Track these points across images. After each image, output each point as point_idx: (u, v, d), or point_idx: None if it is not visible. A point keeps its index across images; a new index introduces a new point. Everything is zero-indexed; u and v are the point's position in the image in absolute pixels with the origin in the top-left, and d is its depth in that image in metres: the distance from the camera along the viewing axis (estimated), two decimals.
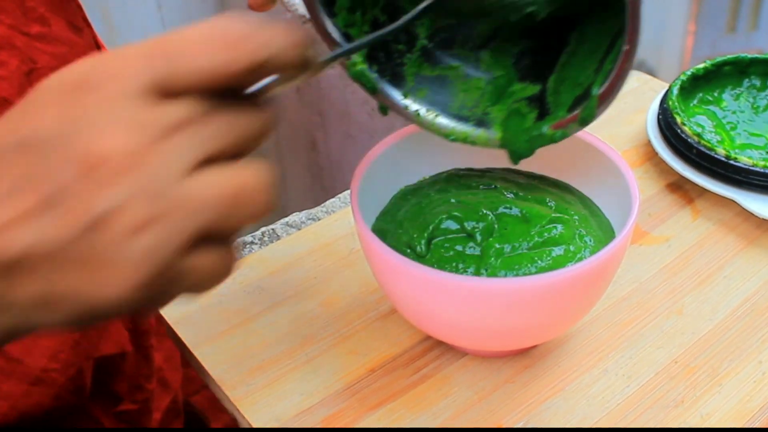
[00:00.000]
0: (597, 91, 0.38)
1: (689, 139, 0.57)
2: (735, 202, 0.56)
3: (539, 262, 0.42)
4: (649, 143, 0.62)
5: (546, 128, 0.41)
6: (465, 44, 0.46)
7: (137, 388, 0.56)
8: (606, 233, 0.45)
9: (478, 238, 0.43)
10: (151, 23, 1.46)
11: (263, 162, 0.27)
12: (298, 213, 0.59)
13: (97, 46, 0.57)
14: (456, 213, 0.44)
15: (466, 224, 0.44)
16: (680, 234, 0.55)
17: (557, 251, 0.43)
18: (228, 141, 0.27)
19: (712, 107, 0.63)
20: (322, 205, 0.60)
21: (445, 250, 0.43)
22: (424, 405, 0.45)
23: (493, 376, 0.46)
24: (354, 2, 0.42)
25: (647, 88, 0.70)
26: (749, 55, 0.63)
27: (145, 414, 0.58)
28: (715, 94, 0.64)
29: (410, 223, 0.45)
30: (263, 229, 0.57)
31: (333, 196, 0.61)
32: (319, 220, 0.58)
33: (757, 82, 0.64)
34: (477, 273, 0.42)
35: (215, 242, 0.27)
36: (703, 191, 0.58)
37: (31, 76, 0.48)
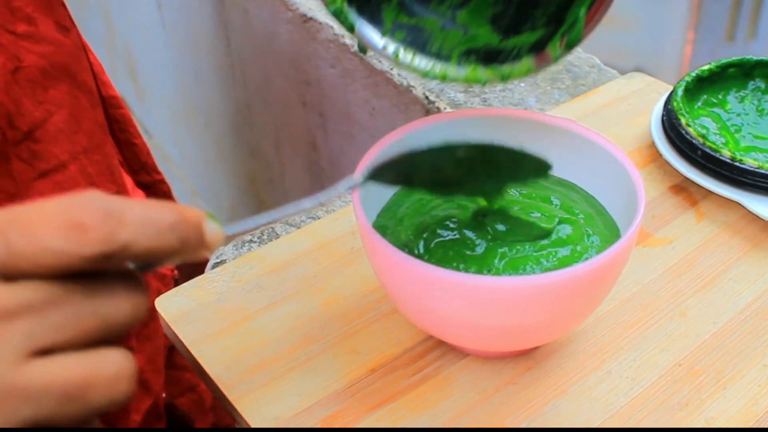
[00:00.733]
0: (583, 12, 0.38)
1: (694, 141, 0.57)
2: (740, 205, 0.56)
3: (545, 263, 0.42)
4: (653, 145, 0.62)
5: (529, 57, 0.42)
6: (441, 2, 0.45)
7: None
8: (612, 232, 0.44)
9: (480, 240, 0.43)
10: (151, 23, 1.46)
11: (120, 350, 0.26)
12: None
13: (83, 47, 0.57)
14: (457, 212, 0.43)
15: (466, 225, 0.43)
16: (684, 236, 0.55)
17: (563, 252, 0.42)
18: (80, 328, 0.25)
19: (716, 109, 0.63)
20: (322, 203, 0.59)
21: (445, 250, 0.43)
22: (425, 406, 0.44)
23: (495, 377, 0.45)
24: None
25: (651, 89, 0.70)
26: (754, 58, 0.63)
27: (122, 417, 0.57)
28: (720, 97, 0.63)
29: (410, 221, 0.44)
30: (263, 227, 0.57)
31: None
32: (318, 218, 0.58)
33: (762, 85, 0.64)
34: (479, 274, 0.41)
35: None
36: (708, 193, 0.58)
37: (17, 74, 0.48)
